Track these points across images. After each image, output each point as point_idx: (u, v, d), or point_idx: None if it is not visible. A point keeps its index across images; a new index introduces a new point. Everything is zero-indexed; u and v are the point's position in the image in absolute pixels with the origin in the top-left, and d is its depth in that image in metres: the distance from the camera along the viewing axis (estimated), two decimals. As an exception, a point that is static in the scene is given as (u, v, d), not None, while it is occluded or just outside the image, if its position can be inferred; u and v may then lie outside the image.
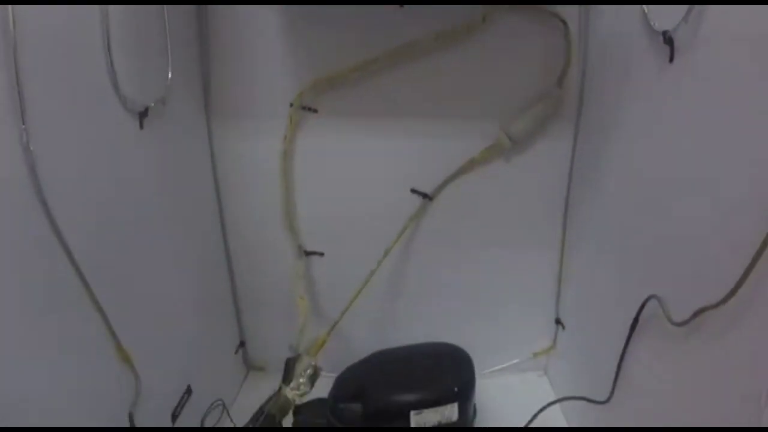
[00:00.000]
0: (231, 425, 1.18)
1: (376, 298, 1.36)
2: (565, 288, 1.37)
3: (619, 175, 1.07)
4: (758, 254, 0.63)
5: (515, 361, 1.48)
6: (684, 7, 0.79)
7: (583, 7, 1.17)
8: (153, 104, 0.99)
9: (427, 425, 1.03)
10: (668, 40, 0.85)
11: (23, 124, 0.68)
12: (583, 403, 1.17)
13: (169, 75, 1.04)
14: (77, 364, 0.79)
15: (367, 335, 1.27)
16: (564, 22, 1.18)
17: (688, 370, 0.81)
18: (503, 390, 1.39)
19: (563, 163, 1.27)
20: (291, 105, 1.21)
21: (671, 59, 0.85)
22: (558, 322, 1.41)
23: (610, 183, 1.11)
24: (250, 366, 1.55)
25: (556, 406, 1.33)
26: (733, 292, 0.67)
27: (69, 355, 0.77)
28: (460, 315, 1.38)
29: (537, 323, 1.45)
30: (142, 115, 0.97)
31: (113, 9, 0.86)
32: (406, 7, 1.14)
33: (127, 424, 0.89)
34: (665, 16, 0.85)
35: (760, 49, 0.67)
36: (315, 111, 1.22)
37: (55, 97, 0.75)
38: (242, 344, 1.50)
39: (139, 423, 0.91)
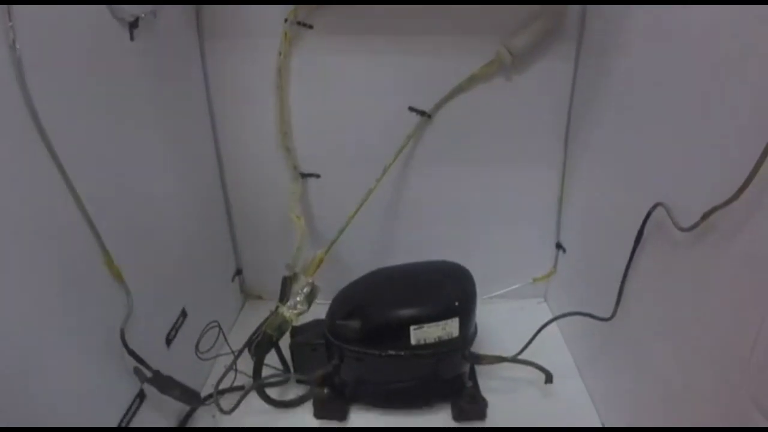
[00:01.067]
0: (227, 350, 1.17)
1: (374, 220, 1.34)
2: (567, 210, 1.34)
3: (621, 88, 1.04)
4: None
5: (515, 286, 1.46)
6: None
7: None
8: (143, 15, 0.94)
9: (428, 341, 1.01)
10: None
11: (9, 21, 0.64)
12: (583, 326, 1.16)
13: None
14: (64, 277, 0.77)
15: (364, 259, 1.24)
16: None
17: (697, 280, 0.78)
18: (502, 315, 1.37)
19: (565, 81, 1.23)
20: (285, 20, 1.16)
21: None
22: (559, 246, 1.39)
23: (612, 97, 1.08)
24: (248, 294, 1.54)
25: (557, 331, 1.33)
26: (743, 187, 0.64)
27: (56, 267, 0.75)
28: (458, 239, 1.36)
29: (537, 248, 1.43)
30: (132, 25, 0.92)
31: None
32: None
33: (119, 343, 0.87)
34: None
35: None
36: (310, 27, 1.17)
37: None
38: (239, 272, 1.49)
39: (132, 342, 0.89)
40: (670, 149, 0.85)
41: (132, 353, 0.89)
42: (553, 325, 1.29)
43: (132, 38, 0.93)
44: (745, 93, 0.67)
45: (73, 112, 0.78)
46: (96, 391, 0.84)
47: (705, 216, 0.72)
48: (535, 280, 1.46)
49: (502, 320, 1.33)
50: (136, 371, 0.91)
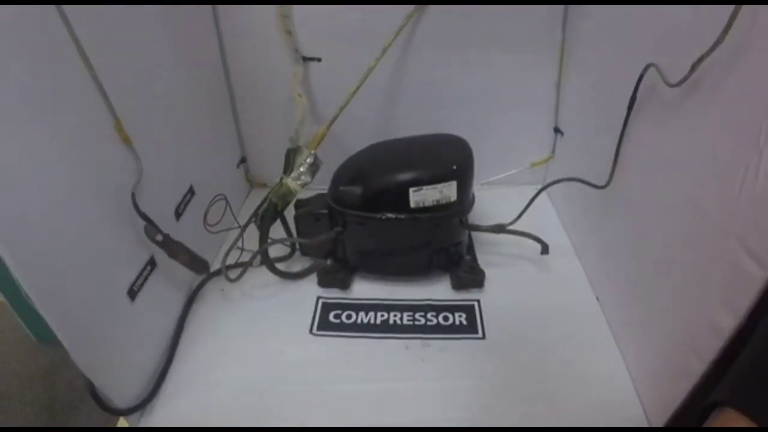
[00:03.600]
0: (234, 222, 1.20)
1: (374, 100, 1.37)
2: (564, 94, 1.35)
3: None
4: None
5: (513, 171, 1.49)
6: None
7: None
8: None
9: (426, 204, 1.04)
10: None
11: None
12: (581, 203, 1.20)
13: None
14: (77, 139, 0.80)
15: (365, 136, 1.26)
16: None
17: (688, 136, 0.81)
18: (500, 196, 1.40)
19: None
20: None
21: None
22: (557, 130, 1.41)
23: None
24: (252, 182, 1.57)
25: (554, 214, 1.37)
26: (727, 29, 0.66)
27: (67, 130, 0.78)
28: (458, 122, 1.35)
29: (536, 133, 1.45)
30: None
31: None
32: None
33: (130, 207, 0.91)
34: None
35: None
36: None
37: None
38: (243, 160, 1.52)
39: (144, 208, 0.92)
40: (658, 9, 0.87)
41: (143, 216, 0.92)
42: (550, 207, 1.33)
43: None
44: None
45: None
46: (109, 255, 0.87)
47: (693, 67, 0.74)
48: (533, 164, 1.48)
49: (499, 201, 1.36)
50: (147, 231, 0.94)
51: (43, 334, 1.47)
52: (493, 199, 1.37)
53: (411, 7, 1.23)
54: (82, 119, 0.81)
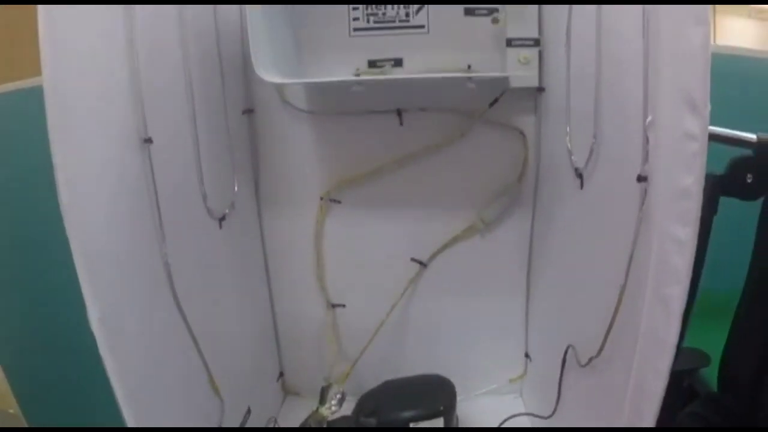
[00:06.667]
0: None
1: (385, 338, 1.76)
2: (530, 329, 1.78)
3: (557, 250, 1.50)
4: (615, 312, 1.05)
5: (494, 386, 1.87)
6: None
7: (538, 122, 1.60)
8: (228, 210, 1.43)
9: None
10: (579, 174, 1.27)
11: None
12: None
13: (236, 188, 1.49)
14: (186, 401, 1.21)
15: (379, 365, 1.68)
16: (523, 134, 1.61)
17: (590, 396, 1.22)
18: (483, 408, 1.77)
19: (524, 237, 1.69)
20: (321, 198, 1.65)
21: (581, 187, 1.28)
22: (527, 355, 1.83)
23: (553, 252, 1.54)
24: (287, 392, 1.96)
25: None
26: (603, 345, 1.09)
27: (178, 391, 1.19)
28: (449, 351, 1.78)
29: (512, 356, 1.84)
30: (221, 219, 1.40)
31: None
32: (405, 123, 1.58)
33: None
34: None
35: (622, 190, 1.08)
36: (339, 202, 1.67)
37: (173, 221, 1.17)
38: (281, 374, 1.92)
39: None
40: (579, 302, 1.31)
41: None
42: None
43: (221, 227, 1.41)
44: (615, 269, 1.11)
45: (192, 276, 1.25)
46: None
47: (589, 361, 1.16)
48: (511, 380, 1.87)
49: (483, 412, 1.73)
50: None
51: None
52: (477, 411, 1.73)
53: (412, 271, 1.69)
54: (185, 375, 1.22)
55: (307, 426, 1.51)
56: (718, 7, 8.59)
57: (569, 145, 1.33)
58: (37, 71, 0.86)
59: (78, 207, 0.91)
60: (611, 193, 1.14)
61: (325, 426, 1.54)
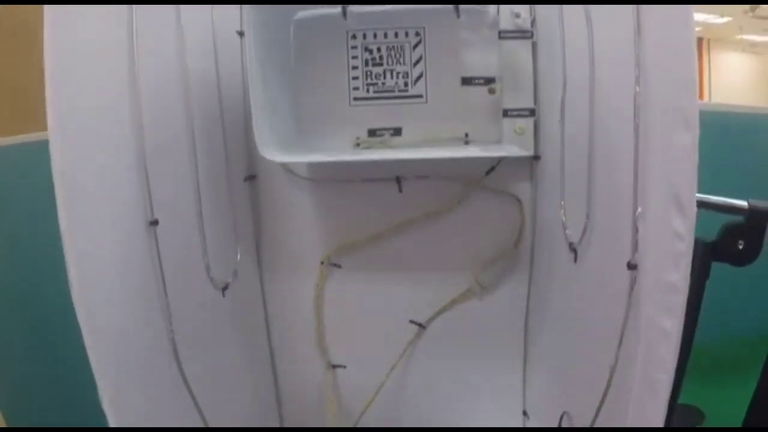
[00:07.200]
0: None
1: (385, 399, 1.76)
2: (529, 387, 1.79)
3: (553, 315, 1.53)
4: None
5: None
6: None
7: (534, 188, 1.64)
8: (230, 279, 1.46)
9: None
10: (573, 249, 1.30)
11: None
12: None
13: (238, 257, 1.52)
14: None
15: (380, 426, 1.71)
16: (519, 200, 1.64)
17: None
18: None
19: (521, 300, 1.71)
20: (321, 263, 1.68)
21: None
22: (524, 413, 1.83)
23: (549, 317, 1.58)
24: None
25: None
26: (594, 419, 1.11)
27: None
28: (449, 410, 1.79)
29: (510, 415, 1.82)
30: (224, 288, 1.43)
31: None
32: (404, 190, 1.61)
33: None
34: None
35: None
36: (339, 266, 1.69)
37: (178, 295, 1.21)
38: (283, 430, 1.94)
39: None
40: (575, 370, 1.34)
41: None
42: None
43: (224, 295, 1.44)
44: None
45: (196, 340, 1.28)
46: None
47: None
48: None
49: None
50: None
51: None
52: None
53: (411, 333, 1.72)
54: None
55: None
56: (713, 42, 8.81)
57: (564, 218, 1.36)
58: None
59: (86, 289, 0.96)
60: (603, 273, 1.18)
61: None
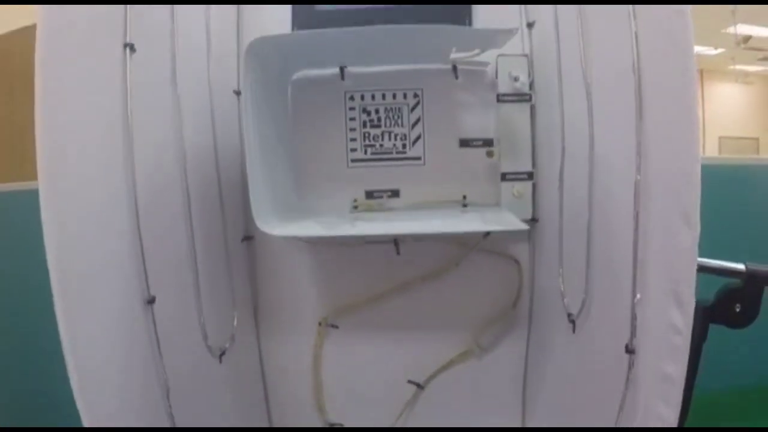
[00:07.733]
0: None
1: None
2: None
3: (551, 377, 1.53)
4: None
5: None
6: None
7: (532, 249, 1.64)
8: (227, 345, 1.46)
9: None
10: (571, 320, 1.30)
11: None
12: None
13: (235, 323, 1.52)
14: None
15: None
16: (517, 262, 1.65)
17: None
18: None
19: (520, 360, 1.71)
20: (319, 324, 1.68)
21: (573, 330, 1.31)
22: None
23: (547, 378, 1.57)
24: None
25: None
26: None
27: None
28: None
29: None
30: (221, 354, 1.43)
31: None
32: (402, 253, 1.61)
33: None
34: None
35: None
36: (336, 327, 1.69)
37: (176, 367, 1.20)
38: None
39: None
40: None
41: None
42: None
43: (221, 362, 1.43)
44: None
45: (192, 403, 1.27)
46: None
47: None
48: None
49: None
50: None
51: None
52: None
53: (409, 393, 1.71)
54: None
55: None
56: (706, 72, 8.93)
57: (562, 287, 1.36)
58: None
59: (83, 370, 0.96)
60: (601, 349, 1.18)
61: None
